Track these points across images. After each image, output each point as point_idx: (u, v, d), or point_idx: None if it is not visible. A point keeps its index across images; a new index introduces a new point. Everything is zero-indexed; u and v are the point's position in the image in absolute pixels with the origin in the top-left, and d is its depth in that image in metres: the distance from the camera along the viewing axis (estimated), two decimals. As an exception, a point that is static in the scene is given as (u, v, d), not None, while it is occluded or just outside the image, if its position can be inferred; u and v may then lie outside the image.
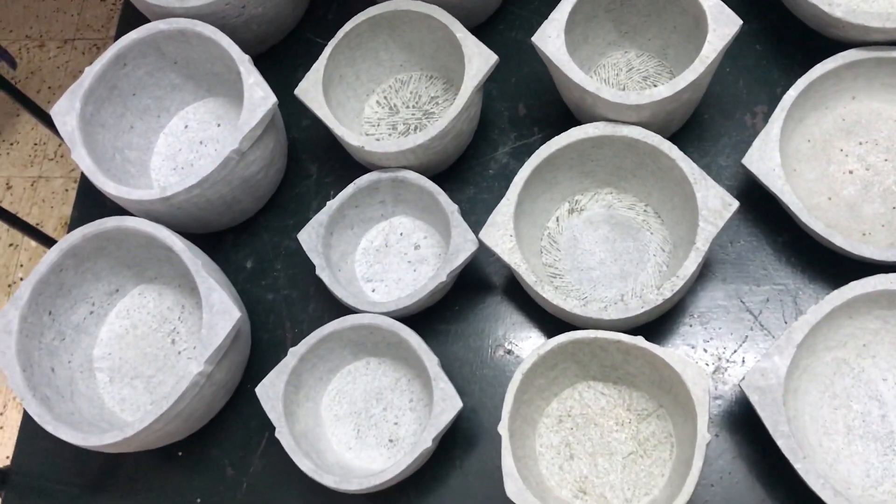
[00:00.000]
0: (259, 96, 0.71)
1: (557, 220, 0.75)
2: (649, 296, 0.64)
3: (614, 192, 0.75)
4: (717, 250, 0.73)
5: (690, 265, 0.64)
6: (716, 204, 0.65)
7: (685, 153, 0.75)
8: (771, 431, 0.60)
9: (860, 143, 0.72)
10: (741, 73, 0.78)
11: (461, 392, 0.72)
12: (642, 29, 0.77)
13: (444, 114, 0.70)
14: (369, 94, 0.82)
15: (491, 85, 0.82)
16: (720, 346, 0.70)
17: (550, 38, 0.69)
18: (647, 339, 0.70)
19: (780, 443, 0.60)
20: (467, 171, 0.80)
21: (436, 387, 0.65)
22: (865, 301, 0.64)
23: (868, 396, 0.65)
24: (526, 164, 0.69)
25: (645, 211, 0.73)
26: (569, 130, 0.69)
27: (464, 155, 0.80)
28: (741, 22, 0.66)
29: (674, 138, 0.76)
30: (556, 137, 0.69)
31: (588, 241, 0.74)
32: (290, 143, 0.84)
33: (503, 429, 0.62)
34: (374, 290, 0.75)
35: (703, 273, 0.73)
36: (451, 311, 0.75)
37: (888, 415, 0.65)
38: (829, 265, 0.70)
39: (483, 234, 0.68)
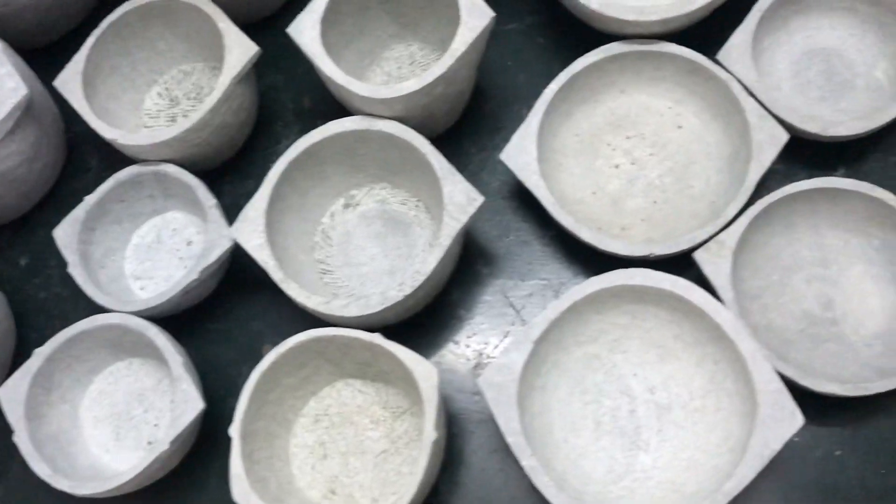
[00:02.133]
0: (9, 87, 0.69)
1: (332, 215, 0.74)
2: (390, 292, 0.63)
3: (389, 188, 0.74)
4: (489, 245, 0.72)
5: (432, 261, 0.63)
6: (461, 199, 0.64)
7: (462, 147, 0.75)
8: (502, 429, 0.59)
9: (627, 138, 0.72)
10: (522, 66, 0.77)
11: (227, 393, 0.70)
12: (422, 21, 0.76)
13: (200, 106, 0.68)
14: (150, 86, 0.79)
15: (277, 77, 0.80)
16: (482, 341, 0.70)
17: (305, 30, 0.68)
18: (412, 335, 0.69)
19: (509, 440, 0.59)
20: (248, 164, 0.78)
21: (178, 388, 0.64)
22: (610, 296, 0.63)
23: (619, 391, 0.65)
24: (281, 158, 0.68)
25: (416, 206, 0.73)
26: (326, 124, 0.68)
27: (247, 147, 0.78)
28: (493, 14, 0.66)
29: (451, 132, 0.76)
30: (313, 131, 0.68)
31: (361, 236, 0.73)
32: (72, 135, 0.81)
33: (234, 431, 0.61)
34: (142, 289, 0.73)
35: (473, 268, 0.72)
36: (223, 309, 0.74)
37: (637, 410, 0.65)
38: (595, 260, 0.69)
39: (234, 230, 0.66)
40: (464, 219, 0.63)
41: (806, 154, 0.71)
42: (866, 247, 0.66)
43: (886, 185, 0.68)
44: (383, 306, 0.62)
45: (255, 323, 0.73)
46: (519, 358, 0.61)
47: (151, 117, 0.78)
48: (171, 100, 0.79)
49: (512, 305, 0.70)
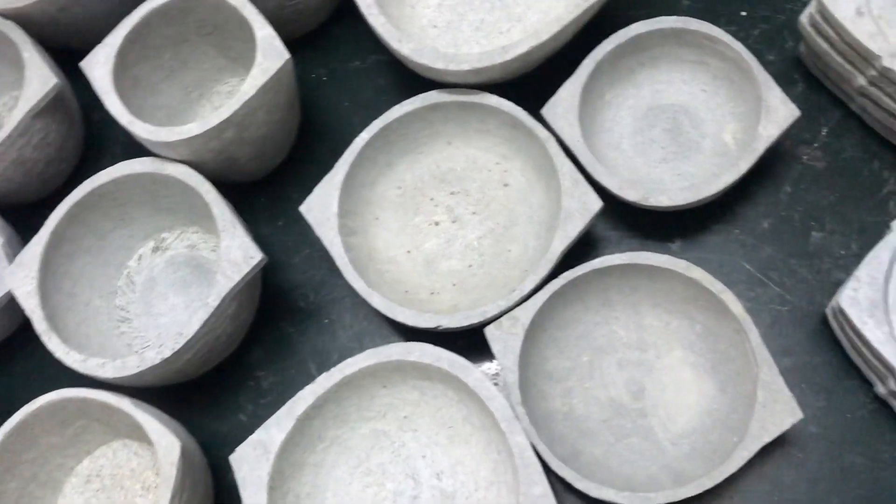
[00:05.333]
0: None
1: (140, 258, 0.69)
2: (148, 353, 0.58)
3: (200, 232, 0.69)
4: (298, 301, 0.67)
5: (195, 323, 0.58)
6: (237, 256, 0.59)
7: (286, 192, 0.71)
8: (246, 512, 0.54)
9: (452, 193, 0.66)
10: (359, 107, 0.72)
11: None
12: (250, 54, 0.70)
13: (-6, 140, 0.64)
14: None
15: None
16: (278, 405, 0.64)
17: (98, 65, 0.63)
18: (203, 395, 0.65)
19: (252, 527, 0.54)
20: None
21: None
22: (393, 370, 0.58)
23: (405, 474, 0.60)
24: (65, 199, 0.63)
25: (225, 254, 0.68)
26: (115, 165, 0.64)
27: (72, 182, 0.74)
28: (288, 56, 0.61)
29: (276, 175, 0.71)
30: (101, 173, 0.64)
31: (165, 283, 0.68)
32: None
33: (-34, 494, 0.56)
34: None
35: (278, 325, 0.67)
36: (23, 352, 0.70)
37: (420, 496, 0.59)
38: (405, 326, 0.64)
39: (7, 274, 0.62)
40: (237, 277, 0.58)
41: (646, 220, 0.64)
42: (687, 331, 0.59)
43: (725, 261, 0.62)
44: (139, 369, 0.57)
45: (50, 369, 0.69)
46: (278, 435, 0.56)
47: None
48: None
49: (311, 373, 0.65)
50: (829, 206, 0.62)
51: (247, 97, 0.60)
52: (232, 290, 0.58)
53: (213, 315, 0.58)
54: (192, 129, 0.60)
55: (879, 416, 0.56)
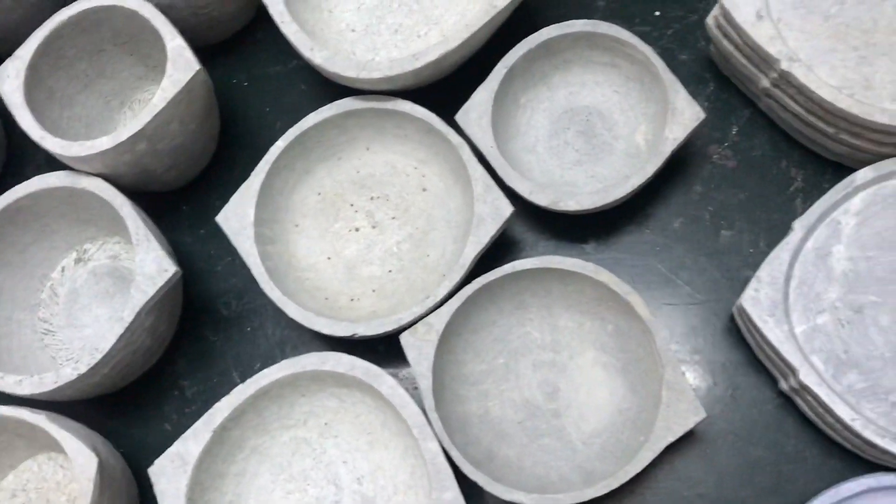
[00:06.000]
0: None
1: (63, 270, 0.69)
2: (65, 370, 0.58)
3: (122, 242, 0.69)
4: (220, 310, 0.68)
5: (111, 338, 0.58)
6: (151, 269, 0.59)
7: (209, 201, 0.71)
8: (166, 525, 0.55)
9: (372, 198, 0.67)
10: (281, 113, 0.72)
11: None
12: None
13: None
14: None
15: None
16: (202, 411, 0.65)
17: (8, 78, 0.63)
18: (127, 406, 0.65)
19: (170, 539, 0.55)
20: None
21: None
22: (310, 379, 0.59)
23: (326, 480, 0.60)
24: (-23, 215, 0.63)
25: (148, 264, 0.68)
26: (31, 180, 0.64)
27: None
28: (198, 68, 0.61)
29: (198, 183, 0.71)
30: (17, 187, 0.63)
31: (88, 295, 0.68)
32: None
33: None
34: None
35: (202, 333, 0.67)
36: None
37: (342, 501, 0.60)
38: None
39: (-78, 293, 0.62)
40: (151, 291, 0.59)
41: (561, 222, 0.65)
42: (600, 331, 0.60)
43: (638, 261, 0.63)
44: (56, 385, 0.58)
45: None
46: (195, 447, 0.56)
47: None
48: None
49: (240, 378, 0.65)
50: (739, 205, 0.63)
51: (157, 110, 0.60)
52: (146, 304, 0.58)
53: (128, 329, 0.58)
54: (104, 143, 0.60)
55: (783, 411, 0.58)
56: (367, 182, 0.67)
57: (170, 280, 0.59)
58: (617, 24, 0.64)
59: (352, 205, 0.67)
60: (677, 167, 0.64)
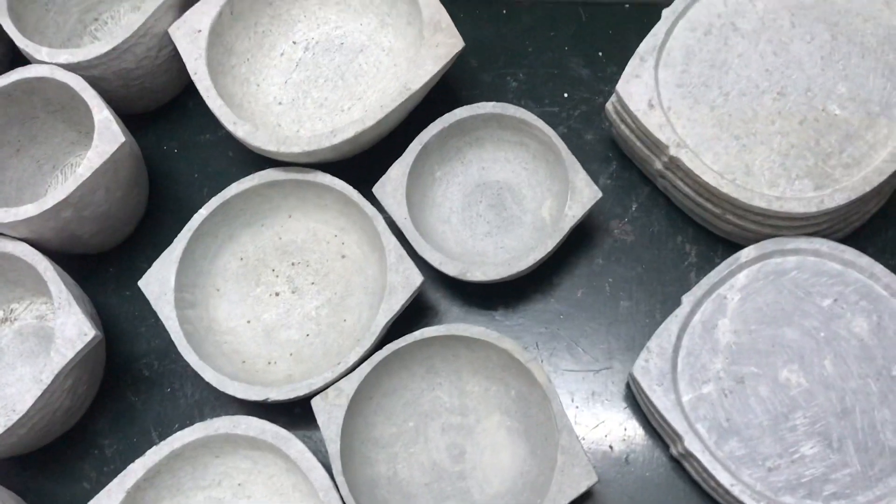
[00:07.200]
0: None
1: (-12, 329, 0.70)
2: (-19, 431, 0.59)
3: (49, 303, 0.71)
4: (142, 371, 0.69)
5: (29, 399, 0.59)
6: (72, 333, 0.61)
7: (135, 263, 0.73)
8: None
9: (293, 264, 0.70)
10: (208, 179, 0.75)
11: None
12: (102, 130, 0.73)
13: None
14: None
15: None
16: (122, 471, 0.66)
17: (-62, 145, 0.65)
18: (45, 459, 0.66)
19: None
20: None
21: None
22: (224, 441, 0.61)
23: (239, 539, 0.62)
24: None
25: (72, 325, 0.70)
26: (-43, 242, 0.65)
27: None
28: (123, 140, 0.63)
29: (127, 246, 0.73)
30: (-58, 249, 0.65)
31: (13, 353, 0.70)
32: None
33: None
34: None
35: (124, 394, 0.69)
36: None
37: (253, 560, 0.62)
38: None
39: None
40: (70, 354, 0.60)
41: (472, 290, 0.68)
42: (504, 396, 0.63)
43: (543, 328, 0.67)
44: (-32, 446, 0.59)
45: None
46: (108, 507, 0.58)
47: None
48: None
49: (158, 438, 0.67)
50: (637, 277, 0.67)
51: (82, 179, 0.62)
52: (66, 366, 0.60)
53: (46, 391, 0.60)
54: (29, 210, 0.62)
55: (675, 474, 0.62)
56: (288, 248, 0.70)
57: (89, 343, 0.61)
58: (528, 104, 0.68)
59: (273, 270, 0.70)
60: (581, 240, 0.68)
